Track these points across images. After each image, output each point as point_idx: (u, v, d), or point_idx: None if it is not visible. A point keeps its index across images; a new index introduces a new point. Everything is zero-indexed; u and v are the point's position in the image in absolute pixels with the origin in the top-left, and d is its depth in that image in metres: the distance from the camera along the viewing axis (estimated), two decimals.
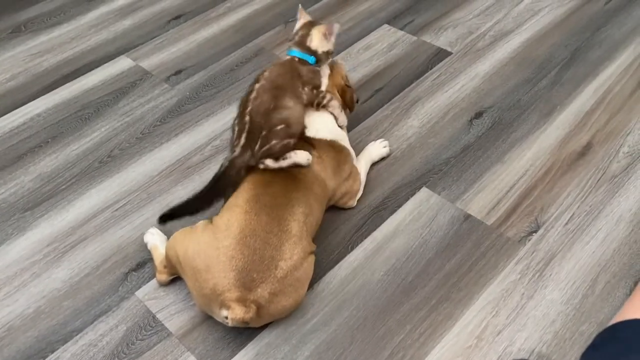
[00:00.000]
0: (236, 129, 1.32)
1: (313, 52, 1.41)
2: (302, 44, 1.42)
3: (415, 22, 2.10)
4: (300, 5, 1.57)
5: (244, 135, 1.30)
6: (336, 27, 1.43)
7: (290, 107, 1.32)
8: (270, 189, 1.24)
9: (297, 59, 1.40)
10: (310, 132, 1.38)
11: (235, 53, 2.01)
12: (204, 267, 1.16)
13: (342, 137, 1.45)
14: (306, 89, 1.38)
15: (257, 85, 1.33)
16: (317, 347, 1.24)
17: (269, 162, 1.29)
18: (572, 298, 1.29)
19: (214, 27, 2.14)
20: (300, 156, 1.31)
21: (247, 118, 1.30)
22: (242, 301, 1.14)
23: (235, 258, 1.15)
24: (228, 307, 1.14)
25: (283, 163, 1.29)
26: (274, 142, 1.28)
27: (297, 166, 1.31)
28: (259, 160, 1.29)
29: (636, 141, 1.62)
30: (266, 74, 1.35)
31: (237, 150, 1.29)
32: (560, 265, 1.35)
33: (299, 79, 1.37)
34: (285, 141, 1.29)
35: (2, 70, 1.99)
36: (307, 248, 1.23)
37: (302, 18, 1.47)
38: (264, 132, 1.28)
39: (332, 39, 1.44)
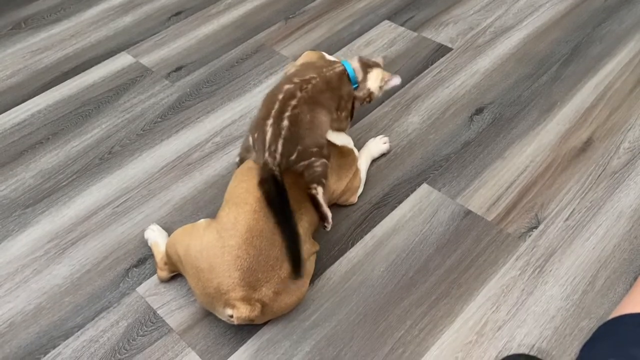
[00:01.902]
0: (269, 131, 1.23)
1: (362, 83, 1.41)
2: (363, 64, 1.42)
3: (415, 18, 2.09)
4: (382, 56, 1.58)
5: (280, 142, 1.22)
6: (396, 81, 1.44)
7: (324, 126, 1.31)
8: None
9: (346, 74, 1.39)
10: None
11: (235, 49, 2.01)
12: (208, 267, 1.15)
13: (348, 141, 1.45)
14: (342, 114, 1.38)
15: (299, 94, 1.27)
16: (317, 343, 1.24)
17: (320, 191, 1.25)
18: (572, 294, 1.29)
19: (214, 24, 2.14)
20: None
21: (285, 123, 1.23)
22: (247, 300, 1.14)
23: (240, 258, 1.14)
24: (233, 307, 1.14)
25: (323, 202, 1.26)
26: (313, 159, 1.25)
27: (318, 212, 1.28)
28: (308, 185, 1.26)
29: (637, 137, 1.62)
30: (310, 87, 1.29)
31: (278, 157, 1.21)
32: (561, 261, 1.35)
33: (338, 101, 1.36)
34: (323, 161, 1.27)
35: (3, 67, 1.99)
36: (310, 249, 1.24)
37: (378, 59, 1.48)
38: (300, 147, 1.23)
39: (385, 87, 1.44)
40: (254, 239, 1.15)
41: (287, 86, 1.29)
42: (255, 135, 1.26)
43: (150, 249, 1.42)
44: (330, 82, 1.34)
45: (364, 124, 1.71)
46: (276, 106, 1.25)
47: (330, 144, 1.37)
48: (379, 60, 1.47)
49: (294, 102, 1.25)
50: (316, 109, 1.29)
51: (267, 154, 1.21)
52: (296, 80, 1.30)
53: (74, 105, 1.84)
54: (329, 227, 1.30)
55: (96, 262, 1.41)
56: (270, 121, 1.24)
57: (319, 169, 1.25)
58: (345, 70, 1.39)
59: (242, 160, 1.37)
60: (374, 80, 1.42)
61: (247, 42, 2.04)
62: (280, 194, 1.18)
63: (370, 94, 1.43)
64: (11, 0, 2.31)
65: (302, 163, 1.24)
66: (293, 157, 1.22)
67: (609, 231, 1.40)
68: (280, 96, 1.27)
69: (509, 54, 1.92)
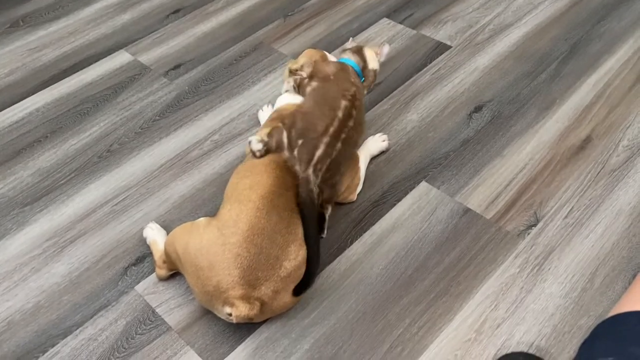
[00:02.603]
0: (322, 148, 1.23)
1: (365, 70, 1.42)
2: (356, 53, 1.43)
3: (414, 16, 2.09)
4: (351, 38, 1.59)
5: (327, 162, 1.24)
6: (386, 49, 1.45)
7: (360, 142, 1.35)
8: (288, 192, 1.21)
9: (356, 73, 1.41)
10: None
11: (234, 47, 2.01)
12: (207, 264, 1.15)
13: None
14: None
15: (354, 113, 1.29)
16: (316, 341, 1.24)
17: (329, 211, 1.30)
18: (571, 291, 1.29)
19: (212, 21, 2.13)
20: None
21: (339, 145, 1.25)
22: (246, 299, 1.13)
23: (241, 256, 1.13)
24: (232, 305, 1.14)
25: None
26: (338, 178, 1.27)
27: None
28: (323, 203, 1.28)
29: (635, 135, 1.62)
30: (359, 103, 1.32)
31: (319, 176, 1.22)
32: (559, 258, 1.35)
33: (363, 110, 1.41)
34: (342, 179, 1.31)
35: (1, 65, 1.99)
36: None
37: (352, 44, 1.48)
38: (340, 167, 1.26)
39: (382, 59, 1.46)
40: (255, 237, 1.15)
41: (344, 102, 1.29)
42: (300, 142, 1.25)
43: (149, 247, 1.42)
44: (361, 91, 1.37)
45: None
46: (335, 124, 1.26)
47: None
48: (352, 43, 1.48)
49: (350, 124, 1.27)
50: (360, 128, 1.32)
51: (311, 170, 1.22)
52: (348, 95, 1.31)
53: (72, 103, 1.84)
54: (324, 236, 1.34)
55: (95, 260, 1.41)
56: (326, 139, 1.24)
57: (339, 188, 1.26)
58: (354, 70, 1.39)
59: (267, 151, 1.32)
60: (373, 59, 1.43)
61: (246, 39, 2.04)
62: (315, 217, 1.20)
63: (374, 74, 1.44)
64: None
65: (331, 181, 1.26)
66: (328, 175, 1.24)
67: (608, 229, 1.40)
68: (340, 114, 1.27)
69: (508, 52, 1.92)
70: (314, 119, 1.28)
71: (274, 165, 1.24)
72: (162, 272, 1.33)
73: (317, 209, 1.22)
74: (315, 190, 1.21)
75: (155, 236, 1.38)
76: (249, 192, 1.20)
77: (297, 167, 1.23)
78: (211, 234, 1.17)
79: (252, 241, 1.14)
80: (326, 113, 1.28)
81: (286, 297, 1.19)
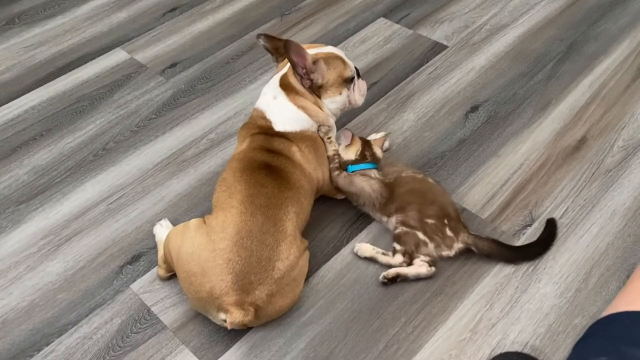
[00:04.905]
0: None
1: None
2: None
3: (411, 16, 2.09)
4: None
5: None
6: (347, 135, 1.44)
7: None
8: (264, 190, 1.22)
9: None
10: (281, 127, 1.35)
11: (231, 46, 2.01)
12: (200, 271, 1.14)
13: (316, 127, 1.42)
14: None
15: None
16: (311, 340, 1.24)
17: None
18: (566, 291, 1.30)
19: (209, 20, 2.13)
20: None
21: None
22: (240, 304, 1.13)
23: (232, 260, 1.13)
24: (226, 311, 1.14)
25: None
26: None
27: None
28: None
29: (631, 135, 1.63)
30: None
31: None
32: (554, 259, 1.36)
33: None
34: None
35: None
36: (301, 246, 1.23)
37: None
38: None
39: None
40: (244, 240, 1.15)
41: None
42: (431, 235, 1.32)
43: (144, 245, 1.41)
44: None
45: (359, 120, 1.71)
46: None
47: (295, 133, 1.34)
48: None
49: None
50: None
51: None
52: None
53: (68, 101, 1.83)
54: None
55: (90, 259, 1.41)
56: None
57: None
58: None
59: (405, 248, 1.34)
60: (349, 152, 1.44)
61: (242, 38, 2.04)
62: None
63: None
64: None
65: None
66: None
67: (603, 229, 1.41)
68: None
69: (504, 52, 1.92)
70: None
71: (239, 172, 1.25)
72: (161, 272, 1.33)
73: None
74: None
75: (163, 234, 1.37)
76: (229, 200, 1.22)
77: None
78: (201, 239, 1.17)
79: (242, 245, 1.14)
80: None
81: (281, 301, 1.19)
